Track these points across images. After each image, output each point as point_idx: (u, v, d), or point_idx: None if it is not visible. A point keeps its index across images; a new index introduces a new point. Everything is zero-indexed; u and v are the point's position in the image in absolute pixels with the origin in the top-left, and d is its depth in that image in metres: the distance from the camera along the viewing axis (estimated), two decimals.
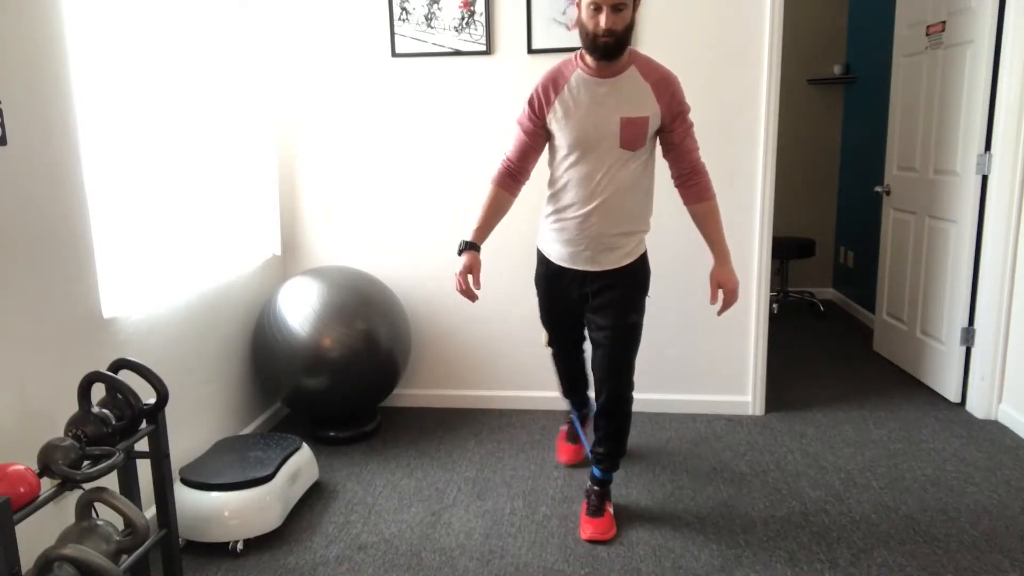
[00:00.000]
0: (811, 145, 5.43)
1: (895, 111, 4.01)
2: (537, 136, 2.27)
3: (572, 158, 2.20)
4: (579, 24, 2.10)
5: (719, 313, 2.36)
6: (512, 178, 2.35)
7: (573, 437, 2.93)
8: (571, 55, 2.24)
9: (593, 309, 2.33)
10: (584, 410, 2.93)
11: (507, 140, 3.27)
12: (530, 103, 2.24)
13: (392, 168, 3.39)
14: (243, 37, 3.08)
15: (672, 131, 2.20)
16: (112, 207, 2.24)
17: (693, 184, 2.25)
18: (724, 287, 2.29)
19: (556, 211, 2.28)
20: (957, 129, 3.40)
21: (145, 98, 2.39)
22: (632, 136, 2.14)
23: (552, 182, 2.30)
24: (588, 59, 2.16)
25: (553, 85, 2.20)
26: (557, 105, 2.18)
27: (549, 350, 2.82)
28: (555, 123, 2.20)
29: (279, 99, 3.39)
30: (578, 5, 2.08)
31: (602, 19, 2.02)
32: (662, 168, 3.34)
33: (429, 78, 3.29)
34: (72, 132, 2.07)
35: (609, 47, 2.06)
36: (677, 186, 2.28)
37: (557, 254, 2.31)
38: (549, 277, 2.41)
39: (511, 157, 2.34)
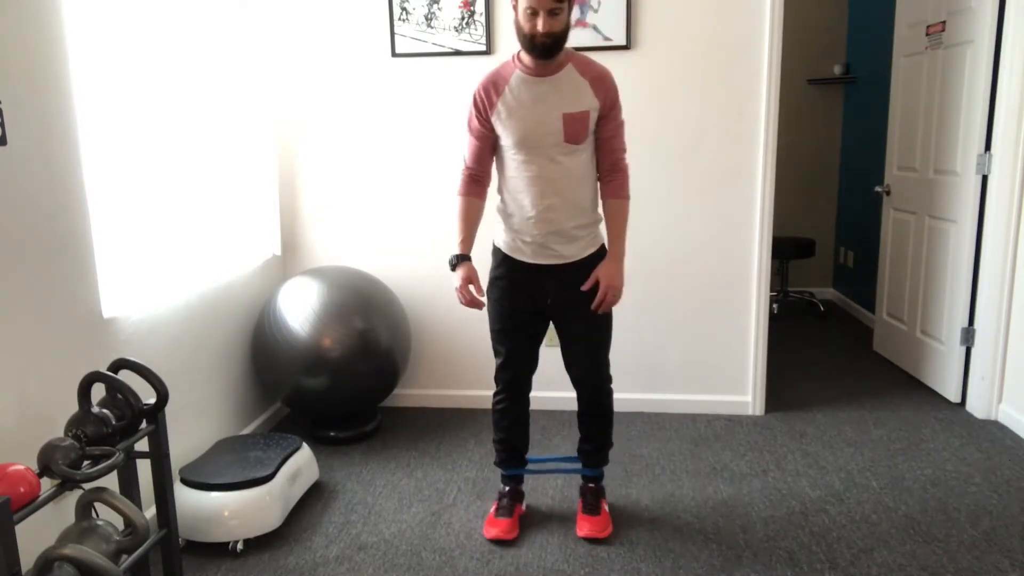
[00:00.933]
0: (811, 145, 5.43)
1: (895, 111, 4.01)
2: (487, 137, 2.30)
3: (520, 156, 2.23)
4: (516, 26, 2.15)
5: (594, 309, 2.27)
6: (476, 183, 2.37)
7: (509, 510, 2.48)
8: (509, 56, 2.27)
9: (561, 305, 2.32)
10: (520, 482, 2.57)
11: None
12: (475, 105, 2.28)
13: (392, 168, 3.39)
14: (243, 37, 3.08)
15: (604, 127, 2.25)
16: (112, 207, 2.24)
17: (611, 180, 2.31)
18: (604, 282, 2.26)
19: (512, 212, 2.29)
20: (957, 129, 3.39)
21: (145, 98, 2.39)
22: (575, 130, 2.19)
23: (504, 184, 2.32)
24: (526, 58, 2.20)
25: (494, 87, 2.24)
26: (500, 106, 2.22)
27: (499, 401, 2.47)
28: (499, 124, 2.24)
29: (279, 99, 3.39)
30: (515, 7, 2.13)
31: (539, 23, 2.07)
32: (656, 168, 3.33)
33: (429, 78, 3.29)
34: (72, 132, 2.07)
35: (547, 47, 2.11)
36: (599, 179, 2.33)
37: (519, 251, 2.31)
38: (510, 275, 2.34)
39: (469, 164, 2.35)
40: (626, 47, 3.15)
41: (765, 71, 3.12)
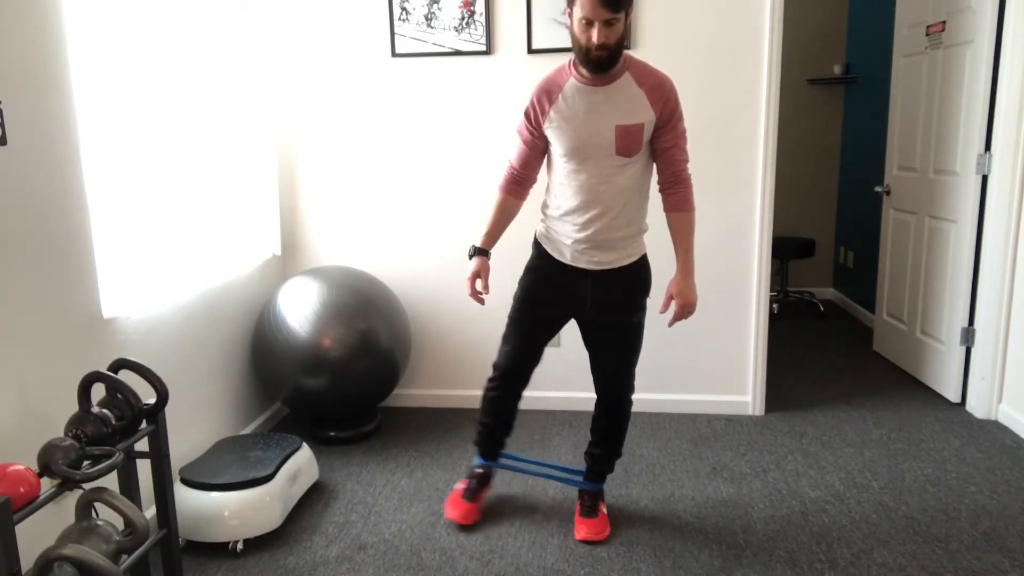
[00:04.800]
0: (811, 145, 5.43)
1: (895, 111, 4.01)
2: (536, 145, 2.28)
3: (570, 165, 2.20)
4: (571, 37, 2.08)
5: (670, 324, 2.31)
6: (518, 184, 2.36)
7: (473, 494, 2.53)
8: (564, 62, 2.22)
9: (594, 309, 2.31)
10: (495, 465, 2.59)
11: (507, 140, 3.27)
12: (526, 114, 2.25)
13: (392, 168, 3.39)
14: (243, 38, 3.08)
15: (662, 137, 2.19)
16: (112, 207, 2.23)
17: (673, 193, 2.25)
18: (678, 300, 2.27)
19: (556, 217, 2.28)
20: (957, 129, 3.40)
21: (145, 99, 2.39)
22: (627, 143, 2.14)
23: (551, 187, 2.30)
24: (582, 68, 2.14)
25: (547, 95, 2.19)
26: (552, 114, 2.18)
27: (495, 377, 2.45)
28: (551, 132, 2.20)
29: (279, 99, 3.39)
30: (570, 16, 2.06)
31: (594, 34, 1.99)
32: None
33: (429, 78, 3.29)
34: (72, 132, 2.07)
35: (602, 61, 2.05)
36: (660, 191, 2.28)
37: (558, 252, 2.31)
38: (545, 270, 2.34)
39: (514, 165, 2.35)
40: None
41: (765, 71, 3.12)
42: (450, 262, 3.42)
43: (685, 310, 2.28)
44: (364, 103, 3.35)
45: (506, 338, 2.41)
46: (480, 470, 2.57)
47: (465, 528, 2.47)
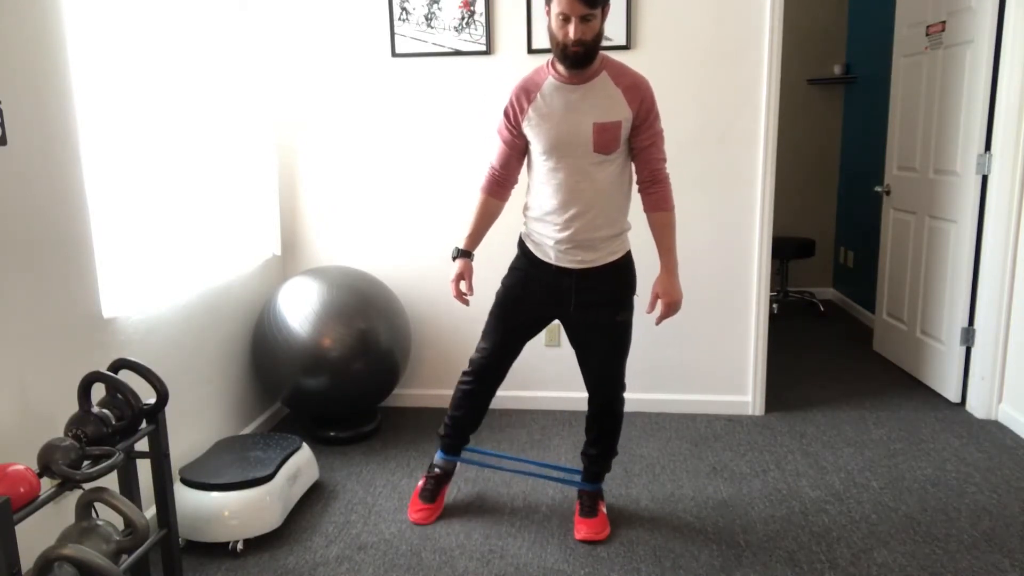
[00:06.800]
0: (811, 145, 5.43)
1: (895, 111, 4.01)
2: (516, 144, 2.30)
3: (549, 164, 2.22)
4: (549, 33, 2.12)
5: (657, 323, 2.33)
6: (499, 185, 2.38)
7: (432, 494, 2.55)
8: (543, 63, 2.24)
9: (578, 309, 2.31)
10: (456, 459, 2.61)
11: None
12: (505, 113, 2.27)
13: (392, 168, 3.39)
14: (243, 38, 3.08)
15: (639, 136, 2.20)
16: (112, 207, 2.23)
17: (652, 193, 2.26)
18: (663, 298, 2.28)
19: (537, 217, 2.29)
20: (957, 129, 3.40)
21: (145, 99, 2.39)
22: (605, 140, 2.16)
23: (531, 187, 2.31)
24: (559, 66, 2.17)
25: (526, 94, 2.22)
26: (531, 112, 2.20)
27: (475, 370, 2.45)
28: (530, 130, 2.22)
29: (279, 99, 3.39)
30: (548, 14, 2.10)
31: (571, 30, 2.03)
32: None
33: (429, 78, 3.29)
34: (72, 132, 2.07)
35: (579, 56, 2.08)
36: (639, 191, 2.29)
37: (543, 253, 2.31)
38: (528, 270, 2.35)
39: (495, 165, 2.37)
40: (626, 47, 3.15)
41: (765, 71, 3.12)
42: (450, 262, 3.40)
43: (671, 309, 2.29)
44: (364, 103, 3.35)
45: (485, 335, 2.43)
46: (439, 469, 2.59)
47: (465, 528, 2.47)
